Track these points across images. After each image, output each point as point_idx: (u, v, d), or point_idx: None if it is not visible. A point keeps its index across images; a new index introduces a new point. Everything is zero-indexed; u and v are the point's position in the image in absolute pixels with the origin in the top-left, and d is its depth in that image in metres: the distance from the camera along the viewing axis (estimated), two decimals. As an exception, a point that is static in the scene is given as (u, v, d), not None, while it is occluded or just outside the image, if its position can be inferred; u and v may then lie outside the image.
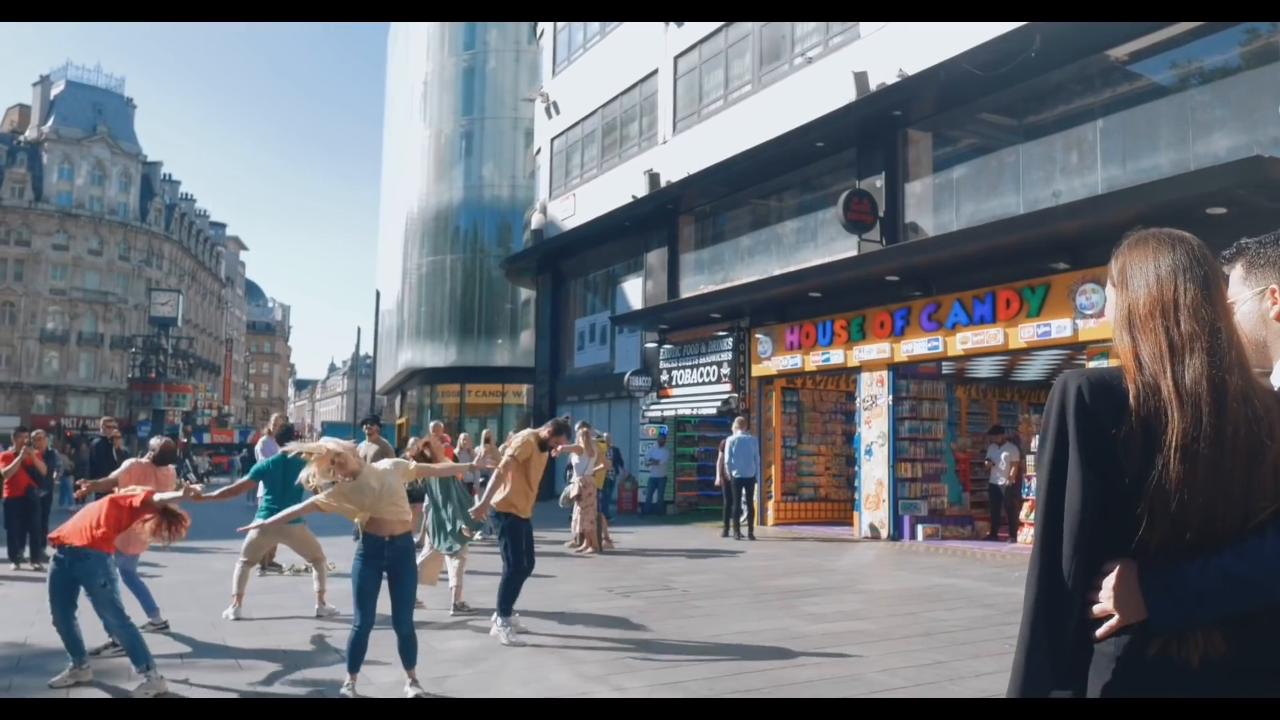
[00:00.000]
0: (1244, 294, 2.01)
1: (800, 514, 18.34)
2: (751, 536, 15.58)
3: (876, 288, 15.49)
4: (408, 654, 5.90)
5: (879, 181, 16.26)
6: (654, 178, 21.85)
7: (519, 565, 7.63)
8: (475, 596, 9.17)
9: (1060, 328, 12.92)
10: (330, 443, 5.81)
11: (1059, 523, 1.70)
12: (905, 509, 15.48)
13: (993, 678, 6.29)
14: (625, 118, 24.38)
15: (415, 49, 46.91)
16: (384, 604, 5.89)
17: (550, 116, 28.16)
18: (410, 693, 5.79)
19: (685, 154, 20.98)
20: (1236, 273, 2.03)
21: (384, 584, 5.90)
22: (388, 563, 5.84)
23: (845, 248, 16.70)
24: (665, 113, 22.40)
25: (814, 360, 17.06)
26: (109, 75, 76.39)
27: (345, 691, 5.77)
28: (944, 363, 15.87)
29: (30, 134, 72.65)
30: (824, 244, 17.57)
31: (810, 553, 13.93)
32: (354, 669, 5.84)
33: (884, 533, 15.43)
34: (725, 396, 18.80)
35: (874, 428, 15.87)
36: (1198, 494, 1.62)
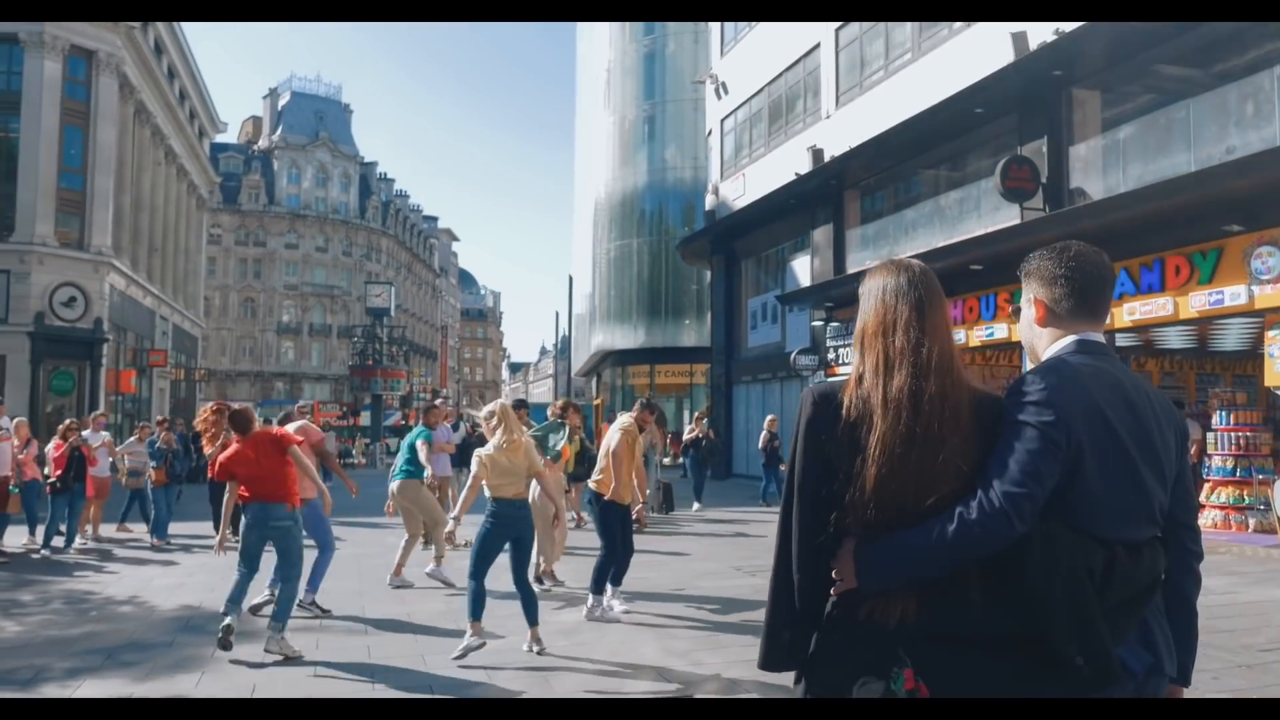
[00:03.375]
0: (1021, 303, 2.14)
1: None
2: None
3: (1038, 258, 14.83)
4: (529, 612, 6.62)
5: (1043, 146, 15.51)
6: (818, 153, 21.62)
7: (612, 549, 7.97)
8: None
9: (1234, 295, 12.01)
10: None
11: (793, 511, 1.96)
12: (1074, 487, 14.77)
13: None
14: (790, 94, 24.18)
15: (599, 37, 48.01)
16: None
17: (719, 98, 28.26)
18: (528, 649, 6.54)
19: (848, 128, 20.61)
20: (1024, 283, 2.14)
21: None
22: (513, 531, 6.58)
23: (1009, 217, 16.01)
24: (828, 87, 22.08)
25: (978, 335, 16.52)
26: (328, 84, 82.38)
27: (470, 640, 6.41)
28: (1117, 335, 14.99)
29: (262, 143, 79.60)
30: (987, 214, 16.91)
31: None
32: (473, 617, 6.44)
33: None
34: (890, 374, 18.46)
35: (1040, 404, 15.20)
36: (889, 484, 1.85)
